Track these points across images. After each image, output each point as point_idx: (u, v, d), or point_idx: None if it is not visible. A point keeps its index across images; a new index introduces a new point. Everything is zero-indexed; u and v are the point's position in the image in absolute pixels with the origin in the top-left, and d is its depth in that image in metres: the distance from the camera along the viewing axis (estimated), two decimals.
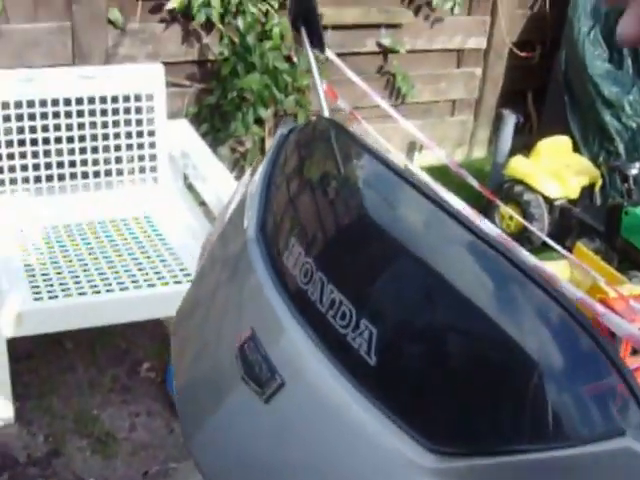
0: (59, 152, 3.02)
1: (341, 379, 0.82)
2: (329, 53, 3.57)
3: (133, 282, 2.64)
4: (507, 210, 3.65)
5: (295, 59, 3.73)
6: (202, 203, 3.13)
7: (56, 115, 2.98)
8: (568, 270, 3.02)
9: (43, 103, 2.96)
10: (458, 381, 0.78)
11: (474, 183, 3.10)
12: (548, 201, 3.88)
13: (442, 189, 3.22)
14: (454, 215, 0.84)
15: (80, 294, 2.57)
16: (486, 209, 3.88)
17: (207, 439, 0.99)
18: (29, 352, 2.92)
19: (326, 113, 1.63)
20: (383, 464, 0.80)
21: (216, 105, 3.80)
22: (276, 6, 3.71)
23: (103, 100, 3.03)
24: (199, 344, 1.09)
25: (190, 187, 3.22)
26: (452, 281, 0.81)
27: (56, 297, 2.54)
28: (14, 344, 2.63)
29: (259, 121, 3.82)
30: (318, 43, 1.59)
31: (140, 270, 2.72)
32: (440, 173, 3.88)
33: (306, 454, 0.87)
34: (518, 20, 4.75)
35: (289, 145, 1.14)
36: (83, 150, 3.05)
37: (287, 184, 1.09)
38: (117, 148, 3.10)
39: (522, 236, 3.70)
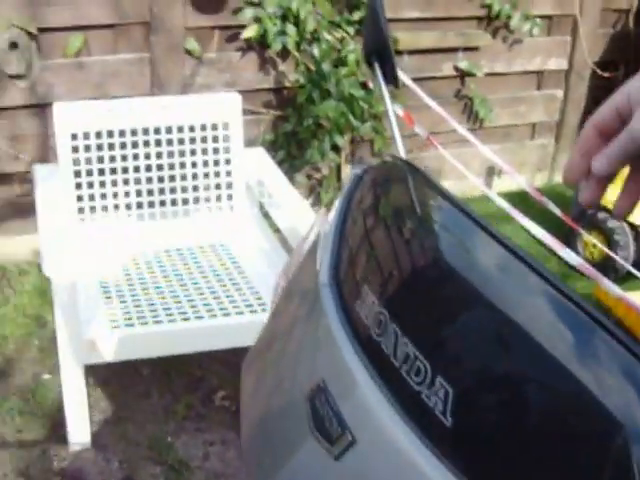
0: (137, 181, 3.07)
1: (415, 440, 0.79)
2: (405, 78, 3.55)
3: (208, 311, 2.66)
4: (590, 238, 3.56)
5: (371, 85, 3.73)
6: (278, 230, 3.13)
7: (135, 145, 3.04)
8: None
9: (122, 133, 3.02)
10: (538, 447, 0.73)
11: (556, 210, 3.03)
12: (634, 228, 3.74)
13: (522, 216, 3.17)
14: (530, 264, 0.80)
15: (156, 322, 2.59)
16: (568, 237, 3.78)
17: None
18: (106, 378, 2.96)
19: (401, 152, 1.61)
20: None
21: (292, 132, 3.81)
22: (352, 33, 3.72)
23: (180, 129, 3.08)
24: (269, 391, 1.07)
25: (266, 215, 3.23)
26: (532, 336, 0.77)
27: (132, 325, 2.57)
28: (91, 370, 2.67)
29: (335, 148, 3.82)
30: (392, 78, 1.58)
31: (216, 299, 2.73)
32: (520, 199, 3.81)
33: None
34: (600, 39, 4.66)
35: (363, 186, 1.12)
36: (161, 179, 3.10)
37: (360, 227, 1.07)
38: (194, 177, 3.14)
39: (606, 265, 3.59)
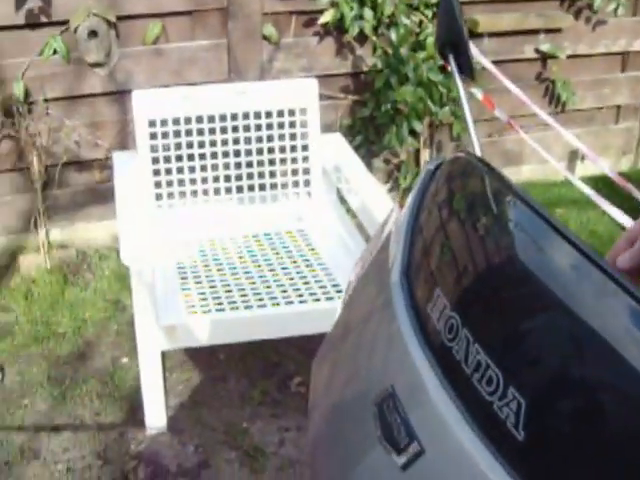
0: (214, 167, 3.08)
1: (485, 453, 0.75)
2: (485, 61, 3.49)
3: (285, 297, 2.65)
4: None
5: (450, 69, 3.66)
6: (355, 216, 3.11)
7: (212, 131, 3.04)
8: None
9: (200, 119, 3.03)
10: (618, 464, 0.68)
11: None
12: None
13: (605, 202, 3.08)
14: (606, 269, 0.76)
15: (233, 309, 2.60)
16: None
17: None
18: (182, 363, 2.98)
19: (476, 148, 1.56)
20: None
21: (370, 117, 3.78)
22: (430, 16, 3.66)
23: (257, 115, 3.07)
24: (337, 392, 1.05)
25: (343, 201, 3.21)
26: (610, 344, 0.72)
27: (209, 311, 2.58)
28: (168, 355, 2.69)
29: (413, 132, 3.77)
30: (467, 70, 1.53)
31: (292, 285, 2.72)
32: (603, 184, 3.72)
33: None
34: None
35: (436, 182, 1.09)
36: (238, 165, 3.10)
37: (433, 224, 1.03)
38: (271, 162, 3.13)
39: None
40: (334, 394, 1.05)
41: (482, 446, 0.75)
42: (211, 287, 2.72)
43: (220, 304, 2.62)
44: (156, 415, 2.68)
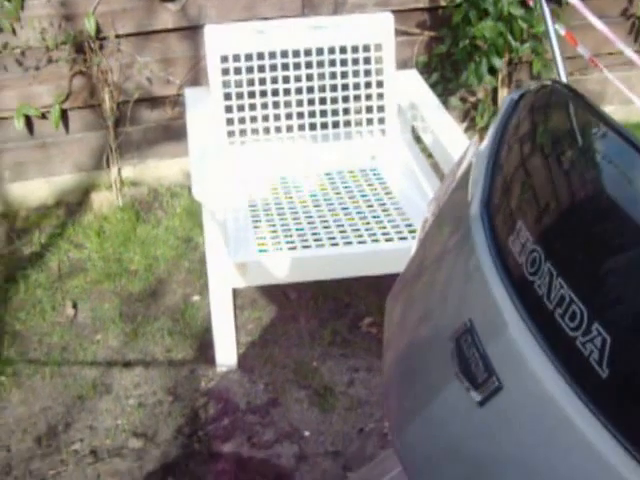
0: (287, 104, 3.02)
1: (567, 390, 0.72)
2: None
3: (357, 237, 2.60)
4: None
5: (531, 3, 3.52)
6: (430, 156, 3.03)
7: (285, 67, 2.98)
8: None
9: (272, 55, 2.96)
10: None
11: None
12: None
13: None
14: None
15: (304, 247, 2.56)
16: None
17: (413, 434, 0.90)
18: (253, 301, 2.97)
19: (562, 75, 1.48)
20: None
21: (447, 54, 3.66)
22: None
23: (331, 51, 3.00)
24: (411, 333, 1.00)
25: (418, 139, 3.13)
26: None
27: (280, 250, 2.55)
28: (239, 293, 2.68)
29: (492, 70, 3.65)
30: None
31: (365, 224, 2.67)
32: None
33: (518, 464, 0.76)
34: None
35: (519, 112, 1.02)
36: (311, 102, 3.04)
37: (516, 156, 0.97)
38: (345, 99, 3.06)
39: None
40: (409, 331, 1.01)
41: (563, 383, 0.72)
42: (283, 225, 2.68)
43: (292, 242, 2.58)
44: (226, 353, 2.68)
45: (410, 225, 2.65)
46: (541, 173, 0.92)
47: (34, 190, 3.59)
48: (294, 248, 2.55)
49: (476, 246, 0.87)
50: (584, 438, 0.69)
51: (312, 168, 3.03)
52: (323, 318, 2.91)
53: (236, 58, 2.95)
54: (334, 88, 3.04)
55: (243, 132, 3.03)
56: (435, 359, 0.90)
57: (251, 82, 2.98)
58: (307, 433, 2.48)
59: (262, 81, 2.98)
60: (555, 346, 0.75)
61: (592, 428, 0.69)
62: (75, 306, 3.03)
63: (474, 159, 1.02)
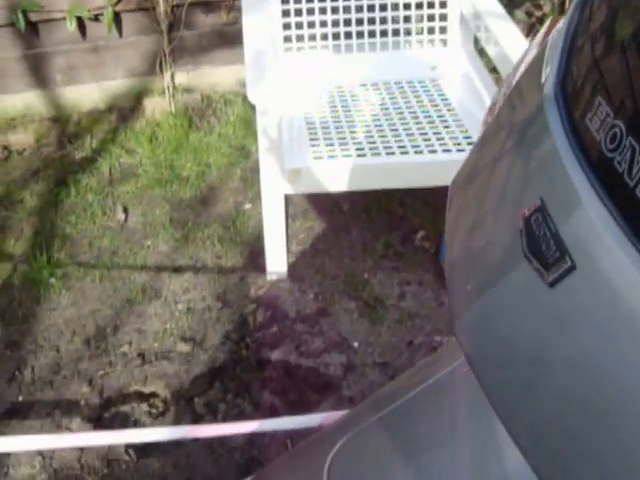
0: (346, 9, 2.92)
1: None
2: None
3: (414, 147, 2.52)
4: None
5: None
6: (493, 69, 2.92)
7: None
8: None
9: None
10: None
11: None
12: None
13: None
14: None
15: (360, 156, 2.49)
16: None
17: (475, 319, 0.85)
18: (305, 212, 2.92)
19: None
20: None
21: None
22: None
23: None
24: (476, 215, 0.95)
25: (481, 51, 3.01)
26: None
27: (335, 157, 2.49)
28: (292, 203, 2.63)
29: None
30: None
31: (422, 135, 2.59)
32: None
33: (584, 350, 0.71)
34: None
35: None
36: (371, 8, 2.94)
37: (598, 29, 0.89)
38: (406, 7, 2.95)
39: None
40: (474, 213, 0.96)
41: None
42: (338, 133, 2.61)
43: (347, 150, 2.51)
44: (277, 261, 2.64)
45: (468, 137, 2.56)
46: (623, 48, 0.85)
47: (86, 94, 3.55)
48: (349, 156, 2.48)
49: (550, 126, 0.81)
50: None
51: (370, 77, 2.94)
52: (376, 230, 2.85)
53: None
54: None
55: (300, 38, 2.94)
56: (501, 242, 0.85)
57: None
58: (356, 344, 2.45)
59: None
60: (635, 224, 0.69)
61: None
62: (126, 211, 3.01)
63: (550, 39, 0.95)
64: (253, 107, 3.08)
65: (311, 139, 2.58)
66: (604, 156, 0.73)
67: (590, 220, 0.71)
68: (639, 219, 0.68)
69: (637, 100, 0.77)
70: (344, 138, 2.58)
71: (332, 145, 2.54)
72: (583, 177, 0.74)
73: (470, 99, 2.79)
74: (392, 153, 2.49)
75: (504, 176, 0.92)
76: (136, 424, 2.26)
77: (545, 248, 0.75)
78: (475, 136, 2.54)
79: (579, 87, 0.84)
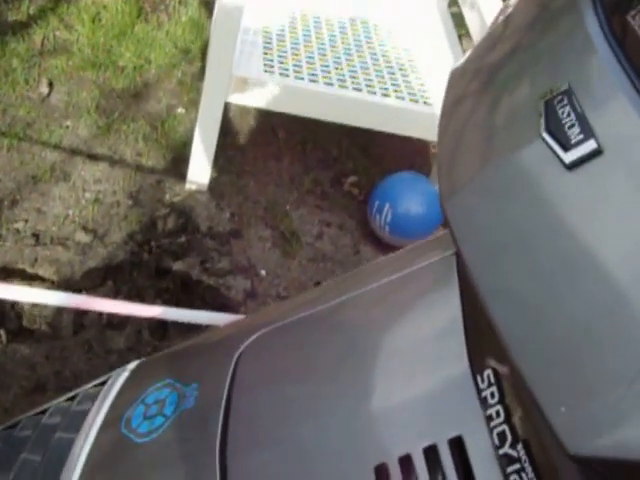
0: None
1: None
2: None
3: (368, 86, 2.41)
4: None
5: None
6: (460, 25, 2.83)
7: None
8: None
9: None
10: None
11: None
12: None
13: None
14: None
15: (312, 81, 2.37)
16: None
17: (470, 199, 0.76)
18: (240, 131, 2.79)
19: None
20: None
21: None
22: None
23: None
24: (483, 96, 0.85)
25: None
26: None
27: (287, 76, 2.36)
28: (227, 118, 2.49)
29: None
30: None
31: (378, 76, 2.48)
32: None
33: (599, 237, 0.64)
34: None
35: None
36: None
37: None
38: None
39: None
40: (480, 95, 0.86)
41: None
42: (294, 56, 2.49)
43: (299, 72, 2.39)
44: (200, 171, 2.51)
45: (424, 91, 2.47)
46: None
47: None
48: (302, 79, 2.36)
49: (583, 15, 0.74)
50: None
51: (336, 10, 2.81)
52: (307, 165, 2.74)
53: None
54: None
55: None
56: (514, 118, 0.77)
57: None
58: (263, 272, 2.35)
59: None
60: None
61: None
62: (51, 85, 2.82)
63: None
64: (208, 12, 2.93)
65: (265, 53, 2.45)
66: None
67: (625, 108, 0.65)
68: None
69: None
70: (300, 61, 2.46)
71: (286, 65, 2.42)
72: (617, 66, 0.68)
73: (433, 50, 2.69)
74: (345, 87, 2.38)
75: (525, 59, 0.84)
76: (13, 307, 2.11)
77: (568, 129, 0.68)
78: (431, 90, 2.45)
79: None
